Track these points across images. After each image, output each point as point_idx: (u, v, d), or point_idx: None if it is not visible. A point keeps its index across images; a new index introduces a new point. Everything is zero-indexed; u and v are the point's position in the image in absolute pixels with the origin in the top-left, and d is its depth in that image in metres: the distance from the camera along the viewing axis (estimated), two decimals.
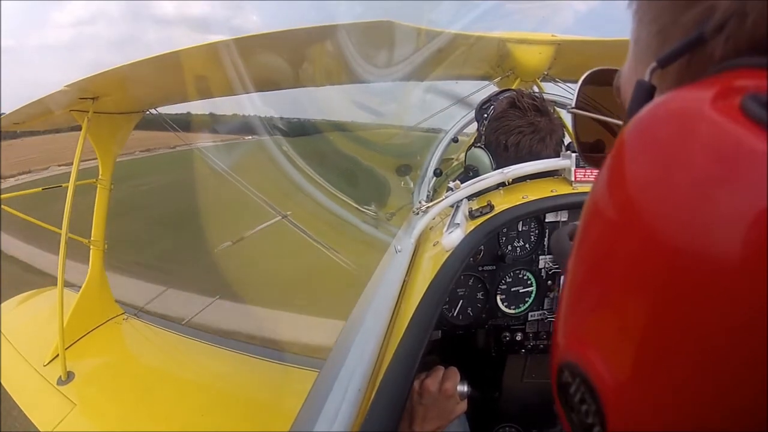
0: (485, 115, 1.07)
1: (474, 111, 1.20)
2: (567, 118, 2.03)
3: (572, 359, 0.21)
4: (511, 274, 0.95)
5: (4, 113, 2.19)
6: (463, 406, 0.77)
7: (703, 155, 0.17)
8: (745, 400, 0.16)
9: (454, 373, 0.78)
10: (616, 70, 0.32)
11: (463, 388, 0.77)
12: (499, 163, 1.01)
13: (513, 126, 1.01)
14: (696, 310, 0.16)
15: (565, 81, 2.30)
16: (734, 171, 0.16)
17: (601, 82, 0.38)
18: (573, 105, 0.40)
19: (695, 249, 0.16)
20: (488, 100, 1.11)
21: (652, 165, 0.19)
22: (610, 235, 0.20)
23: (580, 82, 0.40)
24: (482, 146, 1.06)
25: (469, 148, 1.12)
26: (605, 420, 0.19)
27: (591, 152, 0.41)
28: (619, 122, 0.31)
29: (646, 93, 0.23)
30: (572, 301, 0.22)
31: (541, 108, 1.02)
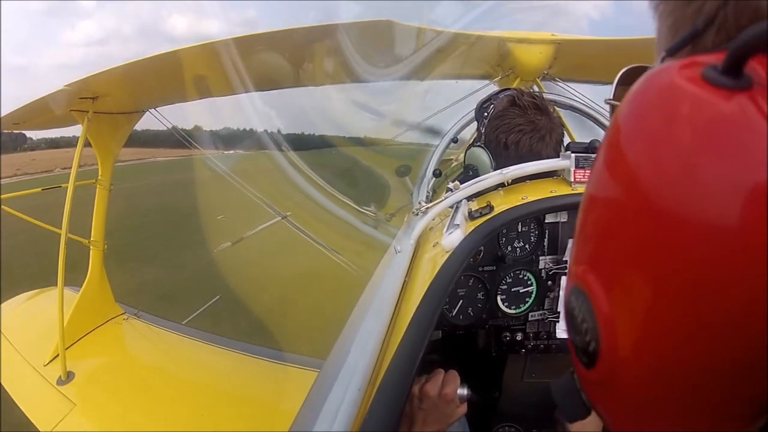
0: (485, 114, 1.07)
1: (474, 110, 1.20)
2: (567, 118, 2.04)
3: (577, 284, 0.25)
4: (512, 274, 0.95)
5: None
6: (463, 409, 0.77)
7: (666, 118, 0.21)
8: (721, 337, 0.19)
9: (454, 377, 0.78)
10: (649, 68, 0.34)
11: (463, 391, 0.77)
12: (499, 162, 1.01)
13: (513, 124, 1.01)
14: (677, 250, 0.20)
15: (565, 80, 2.30)
16: (700, 131, 0.20)
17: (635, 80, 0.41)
18: (611, 97, 0.45)
19: (671, 197, 0.20)
20: (488, 99, 1.11)
21: (633, 126, 0.23)
22: (611, 192, 0.23)
23: (618, 76, 0.44)
24: (482, 145, 1.06)
25: (469, 147, 1.12)
26: (599, 336, 0.23)
27: None
28: None
29: None
30: (582, 238, 0.26)
31: (541, 106, 1.02)
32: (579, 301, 0.25)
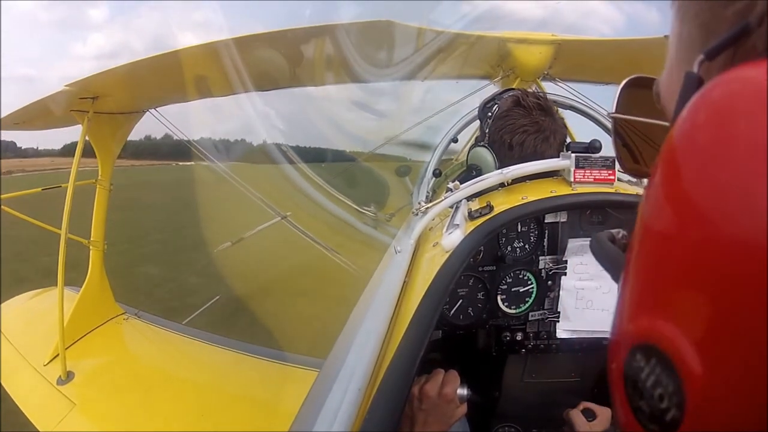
0: (489, 114, 1.07)
1: (477, 110, 1.20)
2: (567, 118, 2.03)
3: (646, 340, 0.21)
4: (512, 274, 0.95)
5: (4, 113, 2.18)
6: (463, 409, 0.78)
7: (758, 132, 0.17)
8: None
9: (454, 377, 0.78)
10: (653, 79, 0.33)
11: (463, 391, 0.77)
12: (503, 163, 1.01)
13: (518, 125, 1.01)
14: None
15: (565, 81, 2.30)
16: None
17: (638, 89, 0.39)
18: (613, 111, 0.40)
19: None
20: (492, 99, 1.11)
21: (709, 149, 0.19)
22: (681, 223, 0.20)
23: (619, 88, 0.40)
24: (486, 145, 1.05)
25: (472, 147, 1.12)
26: (684, 400, 0.19)
27: (630, 159, 0.41)
28: (661, 122, 0.32)
29: (695, 84, 0.23)
30: (642, 288, 0.22)
31: (546, 107, 1.02)
32: (652, 361, 0.20)
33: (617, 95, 0.40)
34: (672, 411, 0.19)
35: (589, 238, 0.34)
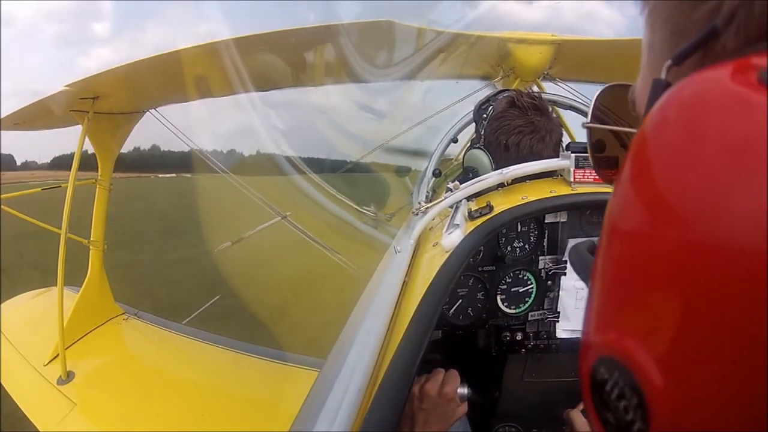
0: (484, 116, 1.07)
1: (472, 112, 1.20)
2: (567, 118, 2.03)
3: (610, 354, 0.20)
4: (511, 274, 0.95)
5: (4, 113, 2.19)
6: (464, 408, 0.78)
7: (728, 131, 0.17)
8: None
9: (454, 376, 0.78)
10: (629, 86, 0.32)
11: (464, 390, 0.77)
12: (499, 164, 1.01)
13: (513, 126, 1.01)
14: (739, 299, 0.16)
15: (565, 81, 2.30)
16: (761, 144, 0.16)
17: (614, 98, 0.39)
18: (588, 121, 0.40)
19: (750, 231, 0.16)
20: (487, 101, 1.11)
21: (678, 149, 0.19)
22: (644, 228, 0.19)
23: (594, 97, 0.40)
24: (481, 147, 1.06)
25: (468, 149, 1.12)
26: (647, 413, 0.19)
27: (605, 166, 0.41)
28: (633, 130, 0.31)
29: (662, 90, 0.23)
30: (606, 298, 0.22)
31: (541, 107, 1.02)
32: (615, 375, 0.20)
33: (593, 104, 0.40)
34: (637, 423, 0.19)
35: (589, 238, 0.34)
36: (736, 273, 0.16)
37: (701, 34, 0.22)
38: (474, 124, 1.16)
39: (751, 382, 0.16)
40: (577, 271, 0.33)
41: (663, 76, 0.23)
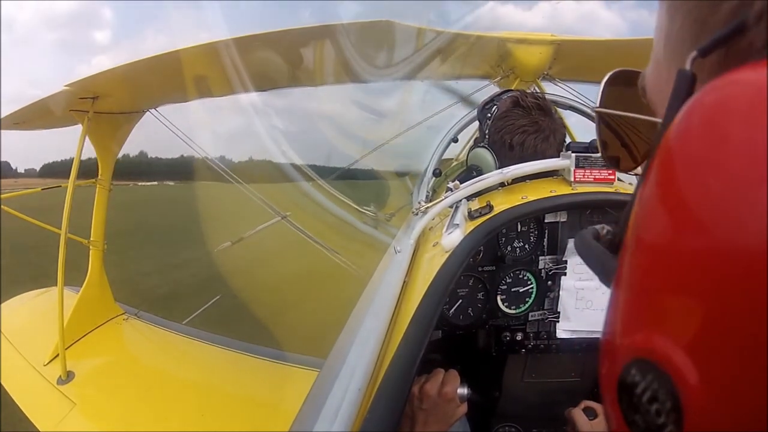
0: (488, 115, 1.07)
1: (476, 111, 1.20)
2: (567, 118, 2.03)
3: (644, 356, 0.20)
4: (511, 274, 0.95)
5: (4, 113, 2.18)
6: (463, 408, 0.78)
7: (756, 138, 0.17)
8: None
9: (454, 376, 0.78)
10: (638, 72, 0.32)
11: (463, 390, 0.77)
12: (503, 163, 1.01)
13: (517, 125, 1.01)
14: None
15: (564, 81, 2.30)
16: None
17: (622, 84, 0.38)
18: (597, 105, 0.40)
19: None
20: (491, 100, 1.11)
21: (705, 155, 0.18)
22: (684, 230, 0.19)
23: (603, 83, 0.40)
24: (486, 146, 1.06)
25: (472, 147, 1.12)
26: (682, 416, 0.18)
27: (613, 153, 0.41)
28: (649, 118, 0.31)
29: (687, 82, 0.22)
30: (639, 300, 0.21)
31: (544, 107, 1.03)
32: (648, 377, 0.20)
33: (601, 89, 0.40)
34: (669, 427, 0.19)
35: (592, 226, 0.33)
36: None
37: (729, 27, 0.21)
38: (475, 123, 1.16)
39: None
40: (584, 257, 0.32)
41: (688, 67, 0.23)
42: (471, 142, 1.81)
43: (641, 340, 0.20)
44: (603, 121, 0.40)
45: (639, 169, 0.39)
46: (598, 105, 0.39)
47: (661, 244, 0.20)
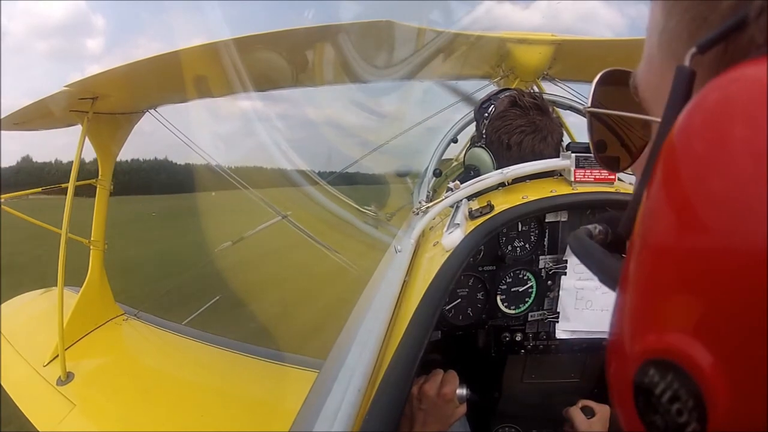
0: (485, 115, 1.07)
1: (473, 110, 1.20)
2: (566, 118, 2.03)
3: (663, 356, 0.20)
4: (511, 274, 0.95)
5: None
6: (463, 409, 0.78)
7: (758, 137, 0.17)
8: None
9: (453, 376, 0.78)
10: (628, 72, 0.32)
11: (462, 391, 0.77)
12: (501, 163, 1.01)
13: (515, 125, 1.01)
14: None
15: (564, 81, 2.30)
16: None
17: (613, 83, 0.38)
18: (588, 105, 0.40)
19: None
20: (488, 99, 1.11)
21: (707, 155, 0.18)
22: (691, 227, 0.19)
23: (594, 83, 0.39)
24: (483, 146, 1.06)
25: (469, 147, 1.12)
26: (706, 414, 0.18)
27: (605, 153, 0.41)
28: (643, 116, 0.31)
29: (687, 79, 0.22)
30: (650, 296, 0.21)
31: (542, 107, 1.02)
32: (669, 377, 0.19)
33: (592, 89, 0.39)
34: (692, 425, 0.19)
35: (584, 226, 0.34)
36: None
37: (730, 23, 0.21)
38: (474, 123, 1.16)
39: None
40: (581, 257, 0.31)
41: (687, 63, 0.22)
42: (469, 142, 1.81)
43: (656, 340, 0.20)
44: (595, 121, 0.40)
45: (631, 169, 0.39)
46: (589, 105, 0.39)
47: (671, 244, 0.20)
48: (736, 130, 0.18)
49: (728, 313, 0.18)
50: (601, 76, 0.39)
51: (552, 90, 2.24)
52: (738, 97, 0.18)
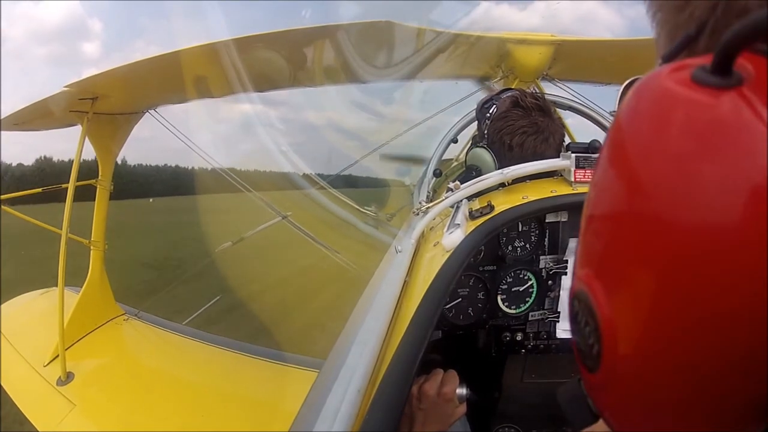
0: (487, 115, 1.07)
1: (474, 110, 1.20)
2: (566, 118, 2.03)
3: (580, 288, 0.25)
4: (512, 274, 0.95)
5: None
6: (462, 409, 0.77)
7: (659, 123, 0.21)
8: (726, 342, 0.20)
9: (453, 376, 0.78)
10: None
11: (462, 391, 0.76)
12: (503, 163, 1.01)
13: (517, 126, 1.01)
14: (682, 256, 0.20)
15: (564, 81, 2.30)
16: (692, 133, 0.20)
17: None
18: (615, 109, 0.43)
19: (669, 199, 0.20)
20: (489, 99, 1.11)
21: (628, 133, 0.23)
22: (611, 198, 0.24)
23: (620, 89, 0.44)
24: (485, 146, 1.06)
25: (471, 148, 1.12)
26: (601, 337, 0.23)
27: None
28: None
29: None
30: (582, 244, 0.26)
31: (544, 108, 1.02)
32: (582, 304, 0.25)
33: (620, 94, 0.44)
34: (595, 346, 0.24)
35: (574, 380, 0.41)
36: (661, 219, 0.21)
37: (681, 38, 0.25)
38: (475, 123, 1.16)
39: (675, 316, 0.21)
40: (570, 414, 0.39)
41: None
42: (470, 142, 1.81)
43: (581, 277, 0.25)
44: None
45: None
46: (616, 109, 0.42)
47: (595, 201, 0.25)
48: (640, 113, 0.23)
49: (613, 253, 0.23)
50: (627, 84, 0.43)
51: (551, 90, 2.24)
52: (640, 92, 0.23)
